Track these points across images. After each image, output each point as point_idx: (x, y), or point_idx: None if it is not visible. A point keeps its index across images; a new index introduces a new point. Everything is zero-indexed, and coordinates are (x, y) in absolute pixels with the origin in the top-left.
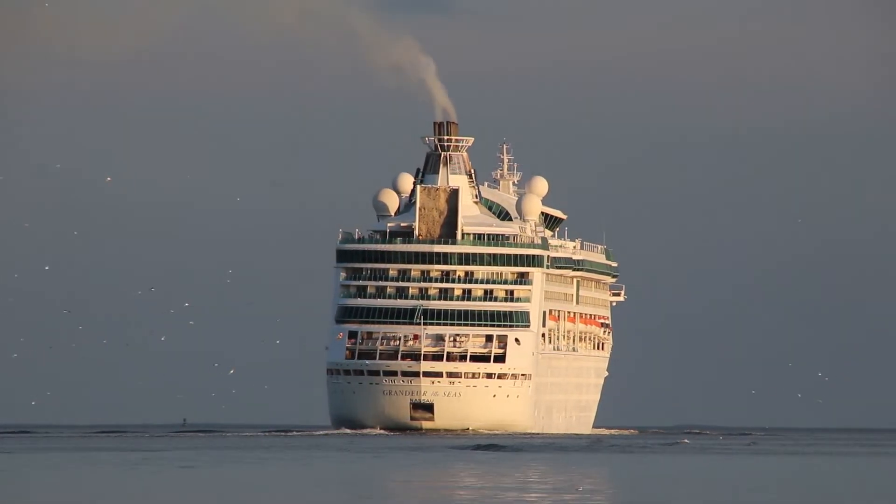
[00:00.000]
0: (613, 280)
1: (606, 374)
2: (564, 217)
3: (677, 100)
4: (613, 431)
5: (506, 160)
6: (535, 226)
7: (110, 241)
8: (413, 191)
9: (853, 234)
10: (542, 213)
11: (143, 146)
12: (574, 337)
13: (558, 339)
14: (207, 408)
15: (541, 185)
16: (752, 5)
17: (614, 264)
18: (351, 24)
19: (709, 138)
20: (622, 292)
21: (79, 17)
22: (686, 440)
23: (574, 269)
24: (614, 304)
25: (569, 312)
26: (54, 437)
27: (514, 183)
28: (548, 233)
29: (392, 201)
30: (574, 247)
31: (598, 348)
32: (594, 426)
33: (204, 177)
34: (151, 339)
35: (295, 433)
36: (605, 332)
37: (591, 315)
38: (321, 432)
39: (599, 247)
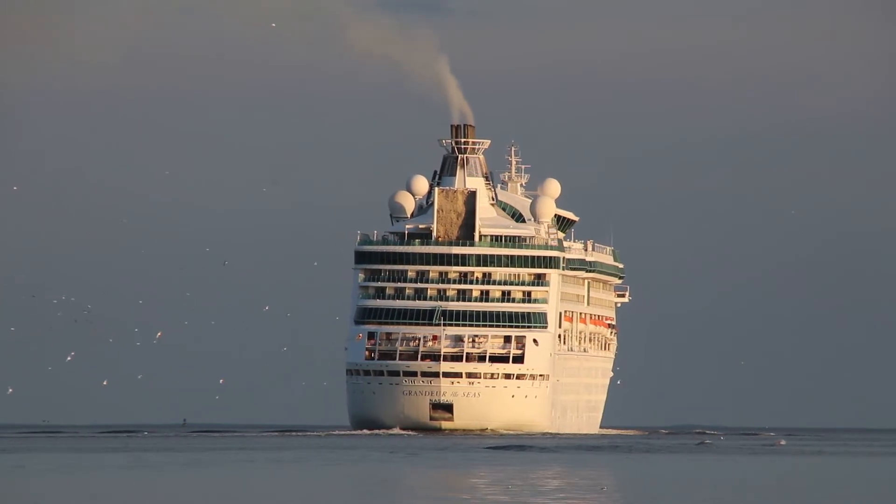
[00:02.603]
0: (620, 281)
1: (612, 374)
2: (576, 219)
3: (680, 101)
4: (621, 431)
5: (514, 162)
6: (548, 228)
7: (113, 242)
8: (430, 192)
9: (859, 234)
10: (555, 214)
11: (154, 146)
12: (584, 338)
13: (571, 339)
14: (210, 408)
15: (553, 187)
16: (761, 4)
17: (621, 266)
18: (362, 26)
19: (711, 139)
20: (627, 293)
21: (78, 17)
22: (783, 441)
23: (587, 271)
24: (619, 304)
25: (580, 313)
26: (71, 437)
27: (521, 185)
28: (560, 234)
29: (408, 203)
30: (587, 248)
31: (603, 349)
32: (601, 426)
33: (213, 178)
34: (162, 338)
35: (314, 433)
36: (611, 332)
37: (599, 316)
38: (340, 432)
39: (608, 248)
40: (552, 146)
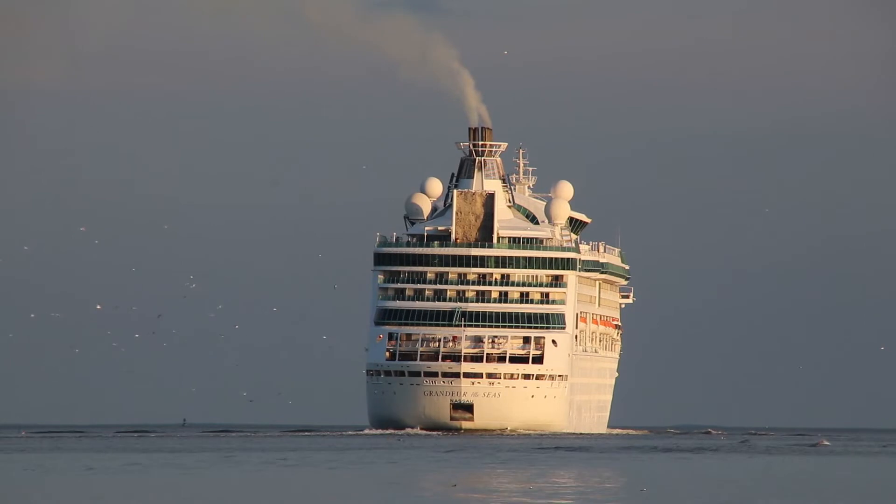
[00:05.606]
0: (625, 282)
1: (617, 374)
2: (589, 221)
3: (681, 101)
4: (630, 431)
5: (521, 164)
6: (562, 230)
7: (119, 241)
8: (446, 195)
9: (864, 233)
10: (569, 216)
11: (163, 146)
12: (596, 338)
13: (585, 340)
14: (210, 408)
15: (567, 190)
16: (762, 4)
17: (627, 267)
18: (369, 27)
19: (713, 140)
20: (631, 294)
21: (77, 17)
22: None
23: (600, 273)
24: (623, 305)
25: (592, 314)
26: (83, 437)
27: (529, 187)
28: (573, 236)
29: (425, 205)
30: (598, 250)
31: (610, 349)
32: (608, 426)
33: (225, 178)
34: (171, 337)
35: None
36: (617, 333)
37: (606, 317)
38: (362, 432)
39: (616, 250)
40: (551, 147)
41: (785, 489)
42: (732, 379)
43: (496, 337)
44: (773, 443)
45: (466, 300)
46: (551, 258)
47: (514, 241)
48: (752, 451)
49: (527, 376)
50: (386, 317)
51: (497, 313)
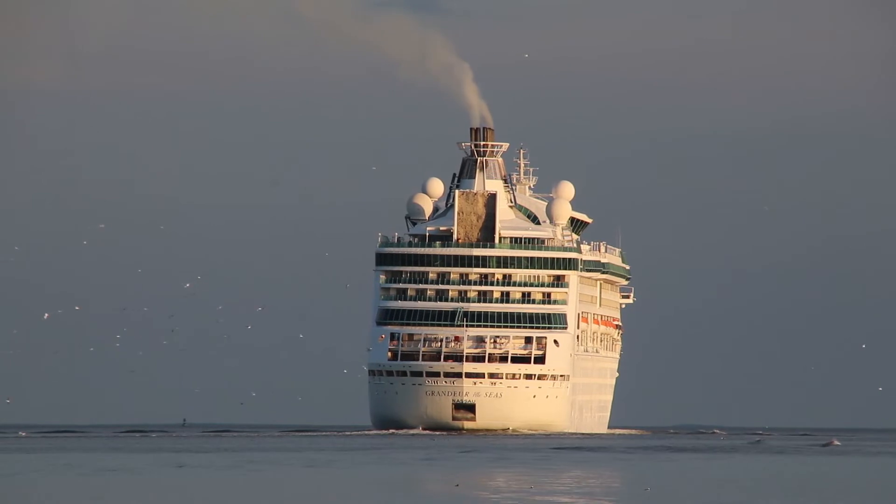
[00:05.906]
0: (626, 282)
1: (617, 374)
2: (590, 221)
3: (680, 101)
4: (633, 431)
5: (522, 165)
6: (563, 230)
7: (119, 241)
8: (449, 195)
9: (869, 232)
10: (570, 217)
11: (163, 146)
12: (597, 338)
13: (587, 340)
14: (210, 408)
15: (568, 190)
16: (762, 4)
17: (627, 267)
18: (372, 27)
19: (713, 140)
20: (631, 294)
21: (77, 17)
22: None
23: (601, 273)
24: (623, 305)
25: (593, 314)
26: (84, 437)
27: (530, 187)
28: (575, 236)
29: (427, 205)
30: (600, 250)
31: (610, 349)
32: (609, 426)
33: (225, 178)
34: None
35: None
36: (617, 333)
37: (607, 317)
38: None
39: (617, 250)
40: (552, 147)
41: (787, 489)
42: (733, 379)
43: (498, 337)
44: (785, 443)
45: (468, 300)
46: (553, 258)
47: (516, 242)
48: (764, 453)
49: (528, 376)
50: (388, 317)
51: (499, 313)
